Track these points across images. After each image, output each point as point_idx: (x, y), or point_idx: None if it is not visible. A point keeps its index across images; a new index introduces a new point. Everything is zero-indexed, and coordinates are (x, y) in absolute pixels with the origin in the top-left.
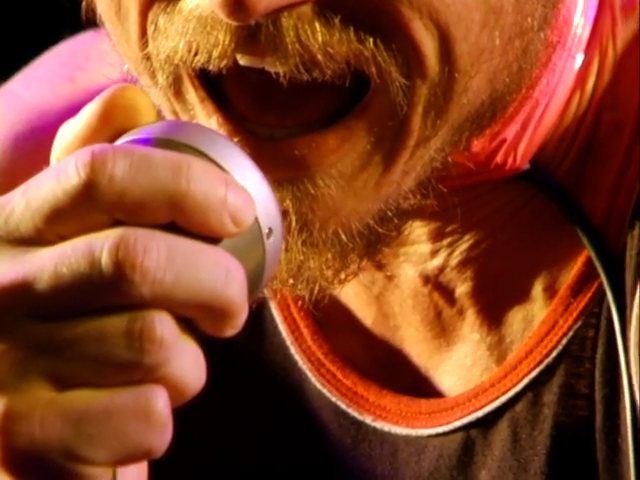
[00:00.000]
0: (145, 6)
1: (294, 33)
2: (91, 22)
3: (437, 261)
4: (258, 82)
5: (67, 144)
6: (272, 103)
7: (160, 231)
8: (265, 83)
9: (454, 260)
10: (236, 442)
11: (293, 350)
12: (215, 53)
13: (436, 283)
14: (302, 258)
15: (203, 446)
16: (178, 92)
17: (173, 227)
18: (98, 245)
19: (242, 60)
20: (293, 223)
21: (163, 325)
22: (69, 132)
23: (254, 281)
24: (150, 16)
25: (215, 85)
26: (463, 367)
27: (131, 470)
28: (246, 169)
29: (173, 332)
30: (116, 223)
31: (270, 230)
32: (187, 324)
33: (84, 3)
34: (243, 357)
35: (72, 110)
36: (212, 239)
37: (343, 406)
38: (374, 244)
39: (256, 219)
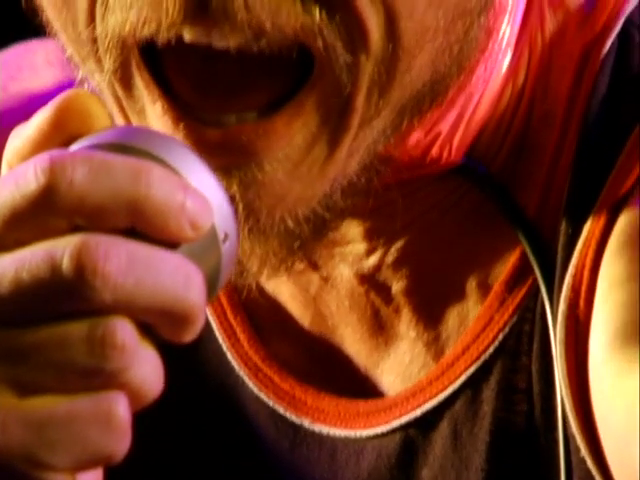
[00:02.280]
0: None
1: (243, 1)
2: (30, 10)
3: (373, 260)
4: (203, 66)
5: (19, 149)
6: (217, 87)
7: (120, 236)
8: (210, 67)
9: (390, 258)
10: (173, 447)
11: (230, 356)
12: (164, 23)
13: (372, 282)
14: (249, 245)
15: (142, 451)
16: (123, 77)
17: (132, 232)
18: (59, 250)
19: (189, 35)
20: (240, 210)
21: (124, 331)
22: (21, 137)
23: (210, 285)
24: None
25: (161, 71)
26: (402, 365)
27: (88, 474)
28: (201, 174)
29: (134, 338)
30: (75, 229)
31: (226, 235)
32: (146, 330)
33: None
34: (179, 363)
35: (4, 117)
36: (170, 244)
37: (281, 410)
38: (320, 230)
39: (213, 224)
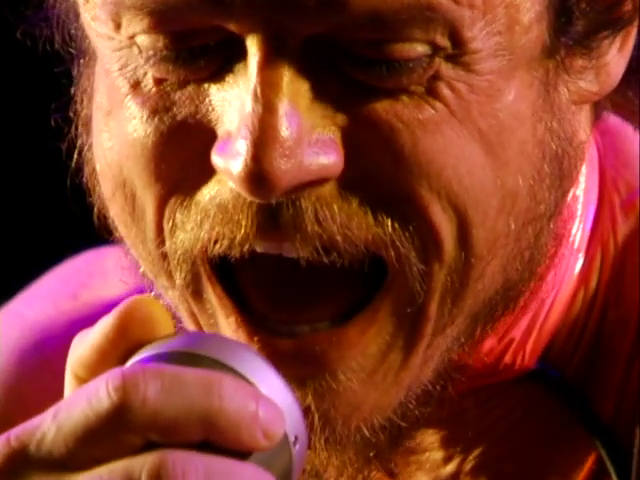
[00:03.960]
0: (161, 202)
1: (313, 214)
2: (103, 228)
3: (451, 467)
4: (275, 275)
5: (84, 358)
6: (290, 297)
7: (195, 451)
8: (282, 276)
9: (467, 466)
10: None
11: None
12: (237, 238)
13: None
14: (325, 455)
15: None
16: (196, 292)
17: (205, 443)
18: (136, 470)
19: (260, 246)
20: (315, 421)
21: None
22: (85, 344)
23: None
24: (167, 213)
25: (232, 283)
26: None
27: None
28: (270, 379)
29: None
30: (149, 443)
31: (296, 438)
32: None
33: (95, 209)
34: None
35: (75, 325)
36: (243, 452)
37: None
38: (396, 438)
39: (284, 430)
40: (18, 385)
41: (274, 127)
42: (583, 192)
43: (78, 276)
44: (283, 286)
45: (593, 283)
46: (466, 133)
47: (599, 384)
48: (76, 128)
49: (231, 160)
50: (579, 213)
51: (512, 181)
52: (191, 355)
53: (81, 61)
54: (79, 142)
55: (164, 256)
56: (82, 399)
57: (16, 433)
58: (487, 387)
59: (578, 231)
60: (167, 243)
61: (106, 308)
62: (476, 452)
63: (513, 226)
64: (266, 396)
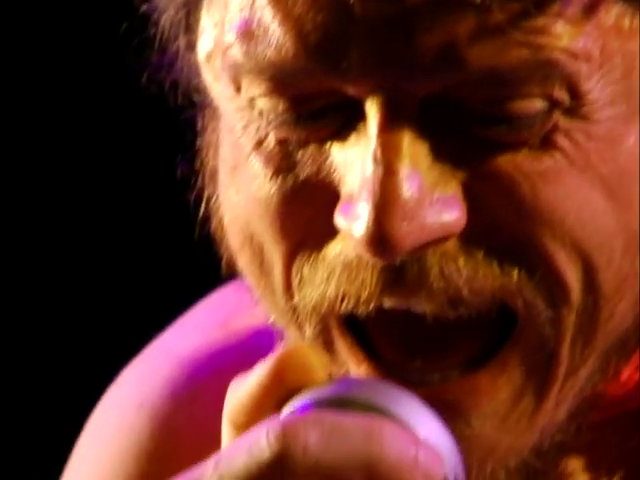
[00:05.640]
0: (289, 258)
1: (438, 270)
2: (232, 274)
3: None
4: (404, 326)
5: (240, 404)
6: (420, 347)
7: None
8: (411, 326)
9: None
10: None
11: None
12: (362, 297)
13: None
14: None
15: None
16: (326, 342)
17: None
18: None
19: (388, 302)
20: None
21: None
22: (241, 392)
23: None
24: (294, 267)
25: (362, 331)
26: None
27: None
28: (428, 422)
29: None
30: None
31: (456, 477)
32: None
33: (224, 257)
34: None
35: (226, 354)
36: None
37: None
38: (532, 477)
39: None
40: (172, 421)
41: (395, 190)
42: None
43: (227, 305)
44: (413, 336)
45: None
46: (587, 180)
47: None
48: (203, 180)
49: (353, 223)
50: None
51: (635, 222)
52: (348, 401)
53: (206, 113)
54: (206, 193)
55: (293, 309)
56: (243, 449)
57: None
58: (627, 414)
59: None
60: (296, 297)
61: (255, 336)
62: (621, 473)
63: None
64: (425, 439)
